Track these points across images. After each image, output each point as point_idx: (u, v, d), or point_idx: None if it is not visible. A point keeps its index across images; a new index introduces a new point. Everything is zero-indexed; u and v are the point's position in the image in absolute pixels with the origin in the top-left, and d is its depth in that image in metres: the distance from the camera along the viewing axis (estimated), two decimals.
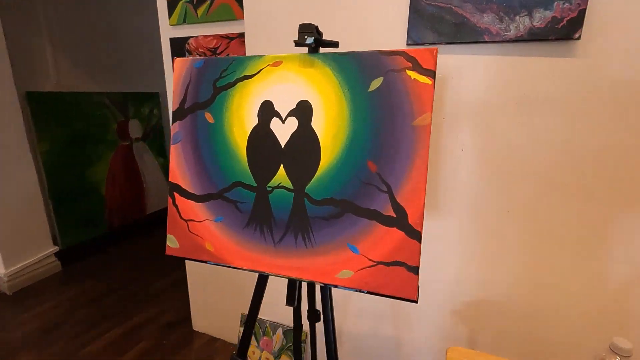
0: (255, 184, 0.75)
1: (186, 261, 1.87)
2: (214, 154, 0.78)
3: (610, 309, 1.03)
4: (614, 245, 0.99)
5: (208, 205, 0.79)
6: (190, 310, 2.07)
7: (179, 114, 0.81)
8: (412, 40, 1.07)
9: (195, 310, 1.90)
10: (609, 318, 1.04)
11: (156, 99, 3.22)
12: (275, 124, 0.73)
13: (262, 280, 0.82)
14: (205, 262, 0.80)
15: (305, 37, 0.68)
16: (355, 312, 1.39)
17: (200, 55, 1.56)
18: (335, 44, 0.71)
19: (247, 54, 1.37)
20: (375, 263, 0.68)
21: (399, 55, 0.65)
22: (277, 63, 0.73)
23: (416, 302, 0.65)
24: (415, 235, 0.65)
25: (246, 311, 1.72)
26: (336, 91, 0.69)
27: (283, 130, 0.73)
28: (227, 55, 1.49)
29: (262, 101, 0.74)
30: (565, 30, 0.91)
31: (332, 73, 0.69)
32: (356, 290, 0.69)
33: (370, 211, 0.68)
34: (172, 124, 0.82)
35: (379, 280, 0.68)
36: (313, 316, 0.98)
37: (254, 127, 0.75)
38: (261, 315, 1.62)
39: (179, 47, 1.57)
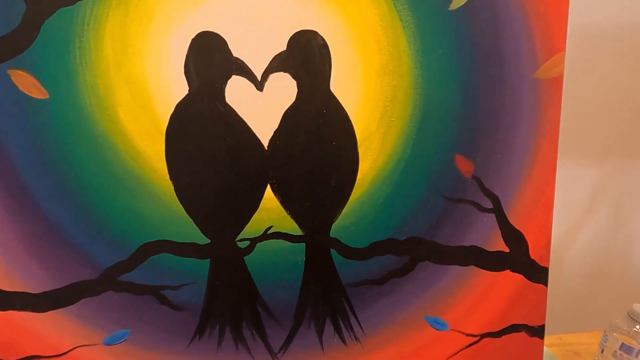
0: (206, 240, 0.32)
1: None
2: (65, 180, 0.30)
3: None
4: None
5: (78, 312, 0.31)
6: None
7: None
8: None
9: None
10: None
11: None
12: (236, 93, 0.30)
13: None
14: None
15: None
16: None
17: None
18: None
19: None
20: (477, 338, 0.38)
21: None
22: None
23: None
24: (541, 275, 0.37)
25: None
26: (382, 10, 0.31)
27: (260, 107, 0.31)
28: None
29: (195, 35, 0.29)
30: None
31: None
32: None
33: (464, 250, 0.36)
34: None
35: None
36: None
37: (180, 104, 0.30)
38: None
39: None
